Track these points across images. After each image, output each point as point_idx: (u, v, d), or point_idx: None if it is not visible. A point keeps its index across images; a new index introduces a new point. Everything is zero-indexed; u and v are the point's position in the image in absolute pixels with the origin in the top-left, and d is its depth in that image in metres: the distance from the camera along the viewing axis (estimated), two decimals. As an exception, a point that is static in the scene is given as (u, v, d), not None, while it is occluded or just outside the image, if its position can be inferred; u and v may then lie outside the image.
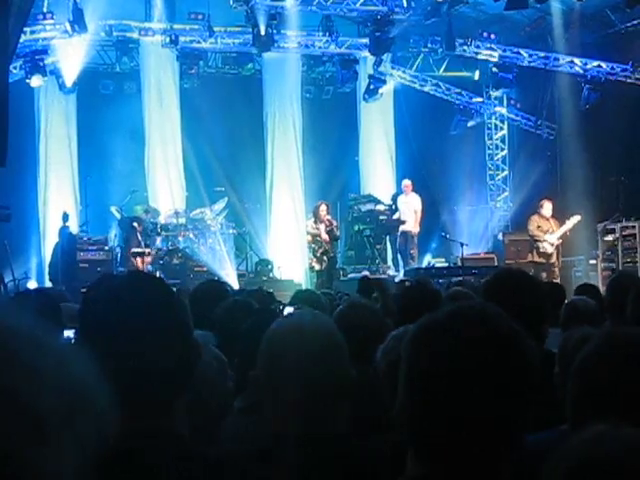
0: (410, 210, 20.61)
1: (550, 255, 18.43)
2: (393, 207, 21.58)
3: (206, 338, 3.64)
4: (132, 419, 2.20)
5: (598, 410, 2.29)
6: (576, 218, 18.43)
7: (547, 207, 18.68)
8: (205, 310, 5.61)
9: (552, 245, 18.37)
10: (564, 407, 2.69)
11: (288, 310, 8.01)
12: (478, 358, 1.80)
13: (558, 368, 3.36)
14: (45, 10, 19.54)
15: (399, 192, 21.61)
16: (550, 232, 18.37)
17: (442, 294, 6.46)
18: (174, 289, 2.65)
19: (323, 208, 19.09)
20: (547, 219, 18.57)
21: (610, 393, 2.32)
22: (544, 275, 18.06)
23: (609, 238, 18.91)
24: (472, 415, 1.78)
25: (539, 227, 18.52)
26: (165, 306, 2.26)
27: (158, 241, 19.70)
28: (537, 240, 18.46)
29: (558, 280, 17.03)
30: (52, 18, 19.59)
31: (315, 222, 19.12)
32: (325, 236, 18.87)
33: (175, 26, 20.74)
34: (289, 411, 2.56)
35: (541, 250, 18.49)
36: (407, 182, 21.09)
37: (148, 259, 18.98)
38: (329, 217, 19.23)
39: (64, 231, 19.16)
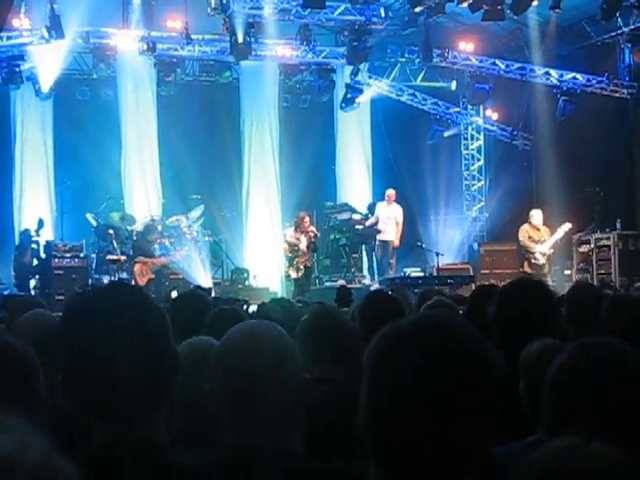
0: (391, 220, 20.58)
1: (542, 266, 18.43)
2: (369, 216, 21.58)
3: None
4: (110, 429, 2.21)
5: (573, 420, 2.31)
6: (567, 226, 18.40)
7: (537, 216, 18.63)
8: (187, 319, 5.62)
9: (544, 255, 18.38)
10: (530, 419, 2.71)
11: (252, 308, 8.03)
12: (441, 368, 1.77)
13: (522, 381, 3.38)
14: (22, 16, 19.44)
15: (376, 201, 21.65)
16: (541, 242, 18.38)
17: (408, 305, 6.47)
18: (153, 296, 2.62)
19: (307, 220, 19.10)
20: (538, 228, 18.55)
21: (584, 402, 2.34)
22: None
23: (584, 249, 19.01)
24: (435, 426, 1.75)
25: (530, 237, 18.48)
26: (142, 317, 2.26)
27: (134, 248, 19.63)
28: (528, 251, 18.45)
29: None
30: (29, 24, 19.51)
31: (295, 231, 19.12)
32: (304, 247, 18.88)
33: (152, 33, 20.64)
34: (243, 424, 2.51)
35: (533, 261, 18.46)
36: (391, 191, 21.01)
37: (150, 266, 18.94)
38: (313, 228, 19.26)
39: (25, 234, 19.11)
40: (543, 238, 18.42)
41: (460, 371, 1.79)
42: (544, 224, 18.65)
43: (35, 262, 18.94)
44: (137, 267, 18.77)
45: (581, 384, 2.36)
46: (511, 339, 3.84)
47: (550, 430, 2.42)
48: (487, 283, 7.72)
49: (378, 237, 20.66)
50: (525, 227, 18.60)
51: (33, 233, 18.97)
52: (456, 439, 1.77)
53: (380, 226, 20.63)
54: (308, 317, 4.76)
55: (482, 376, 1.81)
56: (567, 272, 19.60)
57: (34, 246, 18.97)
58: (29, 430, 1.16)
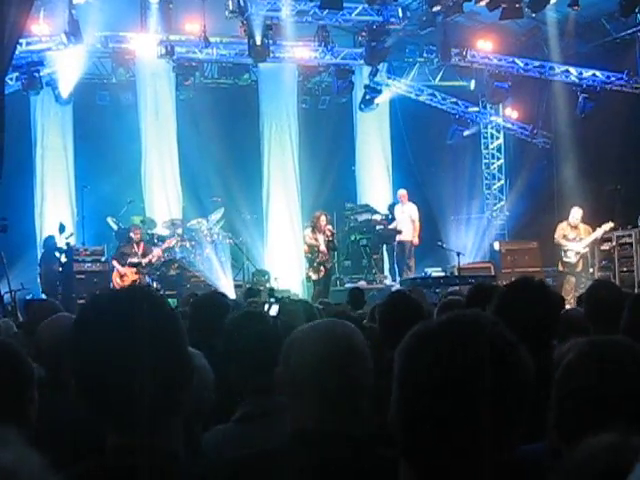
0: (407, 220, 20.66)
1: (575, 264, 18.39)
2: (390, 217, 21.60)
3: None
4: (126, 437, 2.20)
5: (579, 416, 2.30)
6: (608, 225, 18.31)
7: (574, 214, 18.58)
8: (207, 322, 5.64)
9: (577, 254, 18.33)
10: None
11: (274, 308, 8.02)
12: (471, 365, 1.78)
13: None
14: (41, 21, 19.53)
15: (396, 202, 21.65)
16: (577, 240, 18.33)
17: (426, 306, 6.45)
18: (172, 300, 2.60)
19: (323, 219, 19.06)
20: (575, 227, 18.49)
21: (590, 399, 2.33)
22: (572, 282, 18.07)
23: (605, 247, 18.89)
24: (463, 422, 1.77)
25: (565, 236, 18.45)
26: (156, 322, 2.24)
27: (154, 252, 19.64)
28: (561, 249, 18.45)
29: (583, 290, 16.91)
30: (48, 30, 19.61)
31: (313, 232, 19.09)
32: (323, 248, 18.86)
33: (171, 37, 20.71)
34: (307, 408, 2.60)
35: (565, 259, 18.45)
36: (402, 192, 21.19)
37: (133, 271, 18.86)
38: (330, 227, 19.22)
39: (48, 241, 19.25)
40: (580, 236, 18.36)
41: (488, 369, 1.79)
42: (587, 223, 18.57)
43: (60, 268, 19.05)
44: (115, 274, 18.77)
45: (586, 383, 2.35)
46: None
47: (556, 429, 2.41)
48: (484, 283, 7.65)
49: (397, 238, 20.73)
50: (562, 225, 18.60)
51: (61, 239, 19.11)
52: (480, 434, 1.77)
53: (398, 227, 20.70)
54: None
55: (510, 375, 1.82)
56: (590, 270, 19.49)
57: (56, 253, 19.09)
58: (24, 445, 1.18)
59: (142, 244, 19.06)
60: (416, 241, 20.69)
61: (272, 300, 11.39)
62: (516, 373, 1.83)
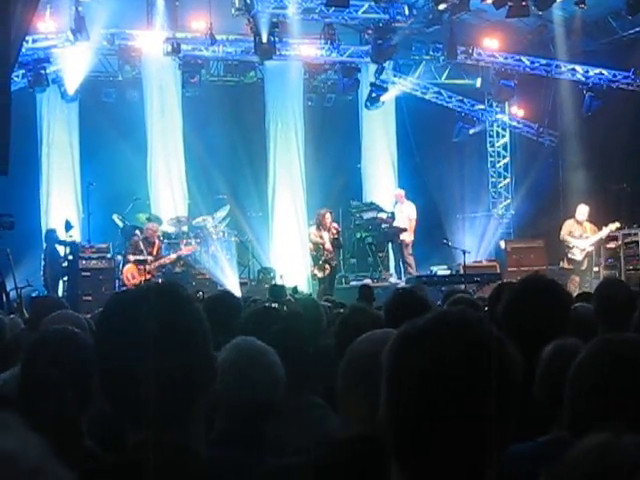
0: (405, 219, 20.68)
1: (579, 262, 18.36)
2: (395, 214, 21.61)
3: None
4: (141, 433, 2.20)
5: (593, 414, 2.30)
6: (614, 225, 18.29)
7: (580, 211, 18.54)
8: (218, 321, 5.64)
9: (582, 251, 18.30)
10: (542, 419, 2.68)
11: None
12: (457, 364, 1.77)
13: (537, 380, 3.33)
14: (47, 19, 19.55)
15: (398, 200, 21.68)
16: (582, 238, 18.30)
17: (431, 301, 6.43)
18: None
19: (328, 216, 19.05)
20: (581, 224, 18.47)
21: (603, 397, 2.32)
22: (577, 280, 18.05)
23: (612, 245, 18.88)
24: (451, 421, 1.75)
25: (570, 233, 18.43)
26: (177, 321, 2.24)
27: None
28: (567, 246, 18.42)
29: (589, 289, 16.90)
30: (54, 27, 19.63)
31: (318, 229, 19.08)
32: (329, 245, 18.86)
33: (177, 34, 20.71)
34: (365, 412, 2.60)
35: (569, 256, 18.42)
36: (399, 191, 21.31)
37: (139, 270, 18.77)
38: (335, 224, 19.23)
39: (50, 234, 19.25)
40: (585, 234, 18.34)
41: (475, 366, 1.78)
42: (592, 222, 18.54)
43: (65, 263, 19.04)
44: (127, 269, 18.67)
45: (599, 381, 2.35)
46: (519, 339, 3.75)
47: (570, 427, 2.41)
48: (508, 281, 7.63)
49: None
50: (569, 222, 18.58)
51: (65, 235, 19.08)
52: (470, 432, 1.76)
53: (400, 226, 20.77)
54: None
55: (497, 372, 1.80)
56: (595, 269, 19.48)
57: (59, 247, 19.09)
58: (27, 431, 1.18)
59: (157, 245, 18.95)
60: (407, 240, 20.71)
61: (271, 299, 11.41)
62: (503, 370, 1.82)
